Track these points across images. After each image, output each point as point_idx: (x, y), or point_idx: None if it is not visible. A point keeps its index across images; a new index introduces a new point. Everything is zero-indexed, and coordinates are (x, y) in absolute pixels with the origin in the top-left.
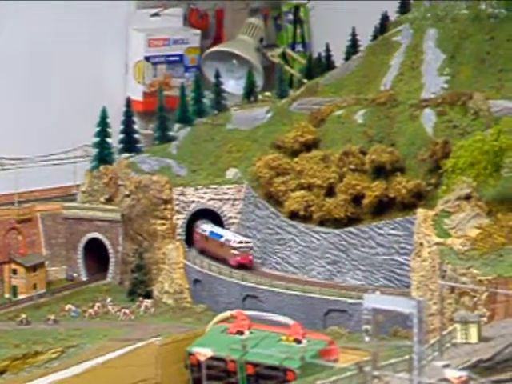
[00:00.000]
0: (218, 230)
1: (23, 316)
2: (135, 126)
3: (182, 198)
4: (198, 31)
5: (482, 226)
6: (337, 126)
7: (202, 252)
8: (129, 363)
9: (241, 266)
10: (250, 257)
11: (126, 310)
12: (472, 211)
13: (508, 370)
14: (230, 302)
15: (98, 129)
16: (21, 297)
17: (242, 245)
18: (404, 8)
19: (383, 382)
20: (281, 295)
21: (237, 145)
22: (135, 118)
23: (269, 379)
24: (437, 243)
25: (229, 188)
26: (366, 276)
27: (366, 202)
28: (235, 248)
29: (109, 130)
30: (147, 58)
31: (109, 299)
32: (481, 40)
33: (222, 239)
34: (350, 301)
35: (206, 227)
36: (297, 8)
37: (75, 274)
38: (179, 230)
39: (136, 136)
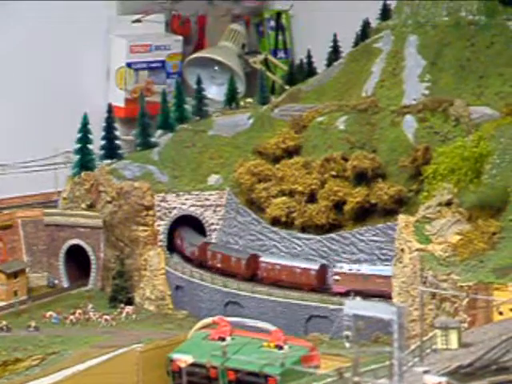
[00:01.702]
0: (377, 266)
1: (4, 323)
2: (117, 133)
3: (163, 204)
4: (180, 37)
5: (463, 232)
6: (318, 133)
7: (347, 294)
8: (110, 370)
9: None
10: None
11: (108, 317)
12: (453, 217)
13: (487, 376)
14: (212, 308)
15: (79, 135)
16: (1, 304)
17: None
18: (385, 14)
19: None
20: (262, 301)
21: (218, 151)
22: (117, 124)
23: None
24: (418, 249)
25: (210, 194)
26: None
27: (347, 208)
28: None
29: (90, 136)
30: (129, 64)
31: (90, 306)
32: (461, 47)
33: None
34: (332, 307)
35: (353, 266)
36: (279, 14)
37: (56, 281)
38: (161, 237)
39: (117, 142)
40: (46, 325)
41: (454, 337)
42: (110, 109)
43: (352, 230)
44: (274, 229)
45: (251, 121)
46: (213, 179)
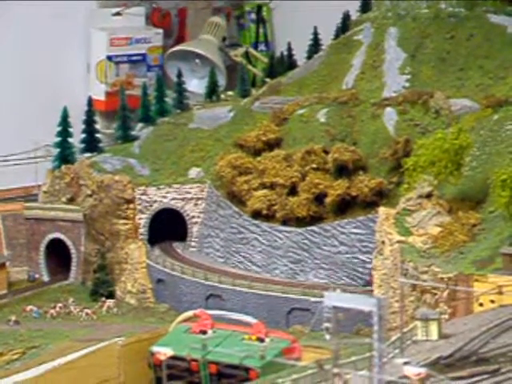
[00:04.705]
0: None
1: None
2: (97, 126)
3: (144, 197)
4: (161, 30)
5: (443, 224)
6: (299, 125)
7: None
8: (91, 363)
9: None
10: None
11: (89, 311)
12: (433, 209)
13: (467, 367)
14: (193, 301)
15: (59, 128)
16: None
17: None
18: (365, 7)
19: (343, 379)
20: (244, 294)
21: (199, 144)
22: (97, 118)
23: (231, 378)
24: (398, 241)
25: (191, 187)
26: (329, 274)
27: (328, 200)
28: None
29: (70, 129)
30: (109, 57)
31: (71, 299)
32: (441, 39)
33: None
34: (313, 299)
35: None
36: (259, 7)
37: (37, 275)
38: (142, 230)
39: (98, 135)
40: (26, 319)
41: (434, 328)
42: (91, 102)
43: (333, 223)
44: (255, 222)
45: (232, 114)
46: (194, 172)
